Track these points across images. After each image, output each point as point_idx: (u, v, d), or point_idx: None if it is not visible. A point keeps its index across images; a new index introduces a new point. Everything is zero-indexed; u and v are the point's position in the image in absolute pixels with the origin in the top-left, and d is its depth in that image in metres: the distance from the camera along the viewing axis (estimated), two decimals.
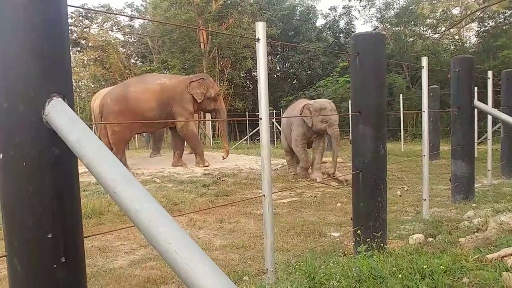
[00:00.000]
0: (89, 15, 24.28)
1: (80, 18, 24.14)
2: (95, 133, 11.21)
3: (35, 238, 1.29)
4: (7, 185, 1.30)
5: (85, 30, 23.62)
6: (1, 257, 1.37)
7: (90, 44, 23.41)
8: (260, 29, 2.25)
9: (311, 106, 7.24)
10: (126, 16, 24.12)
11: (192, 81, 8.78)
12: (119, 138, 8.55)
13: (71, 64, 1.46)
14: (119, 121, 8.30)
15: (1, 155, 1.29)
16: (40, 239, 1.29)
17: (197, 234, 4.20)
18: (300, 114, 7.19)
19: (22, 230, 1.29)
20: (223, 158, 9.43)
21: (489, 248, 2.51)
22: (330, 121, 7.03)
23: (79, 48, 24.41)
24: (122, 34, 25.47)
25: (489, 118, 6.42)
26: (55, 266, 1.31)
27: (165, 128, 11.03)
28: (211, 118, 11.46)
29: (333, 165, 7.29)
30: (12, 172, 1.28)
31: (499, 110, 5.98)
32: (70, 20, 23.04)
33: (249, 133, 17.62)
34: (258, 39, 2.25)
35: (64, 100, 1.31)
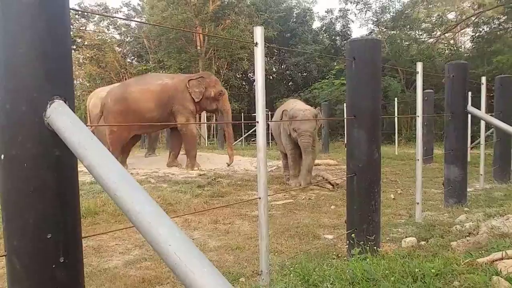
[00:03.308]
0: (85, 14, 24.21)
1: (77, 16, 24.05)
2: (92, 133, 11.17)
3: (35, 238, 1.31)
4: (8, 185, 1.32)
5: (81, 28, 23.53)
6: (1, 256, 1.39)
7: (86, 43, 23.33)
8: (258, 33, 2.28)
9: (288, 112, 6.90)
10: (123, 19, 24.09)
11: (191, 79, 8.55)
12: (116, 138, 8.50)
13: None
14: (118, 122, 8.24)
15: (3, 155, 1.31)
16: (40, 239, 1.31)
17: (192, 235, 4.22)
18: (280, 119, 6.95)
19: (22, 230, 1.31)
20: (228, 165, 8.97)
21: (480, 252, 2.55)
22: (298, 131, 6.65)
23: (75, 47, 24.30)
24: (118, 33, 25.42)
25: (482, 123, 6.49)
26: (54, 266, 1.33)
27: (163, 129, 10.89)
28: (216, 119, 11.10)
29: (303, 180, 6.82)
30: (14, 172, 1.31)
31: (492, 115, 6.06)
32: None
33: (244, 134, 17.64)
34: (256, 43, 2.27)
35: (65, 102, 1.33)
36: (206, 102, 8.67)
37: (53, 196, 1.33)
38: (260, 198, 2.34)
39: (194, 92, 8.45)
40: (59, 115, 1.28)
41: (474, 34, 18.94)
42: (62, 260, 1.34)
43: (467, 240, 3.02)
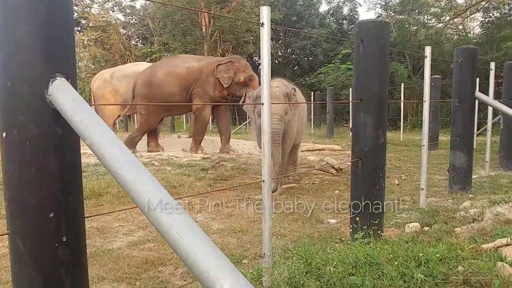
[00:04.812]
0: None
1: None
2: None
3: (37, 217, 1.30)
4: (10, 164, 1.30)
5: (85, 10, 23.34)
6: (3, 235, 1.39)
7: (90, 25, 23.17)
8: (265, 13, 2.23)
9: (251, 94, 5.43)
10: None
11: (220, 64, 8.13)
12: (144, 120, 8.57)
13: None
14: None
15: (4, 133, 1.29)
16: (42, 218, 1.30)
17: (195, 217, 4.24)
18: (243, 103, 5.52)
19: (24, 209, 1.30)
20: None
21: (485, 238, 2.54)
22: None
23: (79, 28, 24.16)
24: (123, 15, 25.23)
25: (490, 109, 6.41)
26: (56, 245, 1.32)
27: None
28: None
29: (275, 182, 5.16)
30: (15, 151, 1.29)
31: (500, 102, 5.98)
32: None
33: (248, 118, 17.56)
34: (262, 23, 2.23)
35: (67, 80, 1.30)
36: (236, 88, 8.20)
37: (55, 175, 1.31)
38: (264, 181, 2.33)
39: (223, 78, 8.03)
40: (61, 93, 1.25)
41: (483, 19, 18.62)
42: (65, 240, 1.34)
43: (472, 226, 3.00)
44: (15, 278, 1.37)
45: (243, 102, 5.58)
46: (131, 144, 8.50)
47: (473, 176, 5.00)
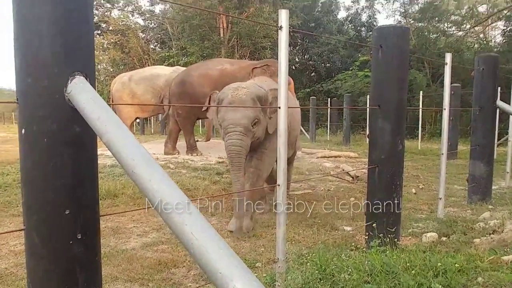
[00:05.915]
0: None
1: (102, 1, 24.28)
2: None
3: (53, 213, 1.31)
4: (28, 160, 1.32)
5: (106, 14, 23.76)
6: (20, 230, 1.40)
7: (110, 28, 23.55)
8: (283, 17, 2.22)
9: (216, 96, 4.12)
10: None
11: (255, 67, 7.63)
12: (183, 119, 8.65)
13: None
14: (179, 104, 8.38)
15: (23, 130, 1.30)
16: (58, 215, 1.31)
17: (209, 220, 4.23)
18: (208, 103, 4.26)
19: (41, 205, 1.31)
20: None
21: (505, 250, 2.47)
22: (223, 124, 3.87)
23: (99, 32, 24.59)
24: (142, 19, 25.59)
25: (511, 118, 6.28)
26: (71, 242, 1.33)
27: None
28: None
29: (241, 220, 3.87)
30: (33, 147, 1.30)
31: None
32: None
33: None
34: (281, 27, 2.22)
35: (86, 78, 1.31)
36: None
37: (72, 172, 1.32)
38: (279, 185, 2.31)
39: None
40: (79, 91, 1.26)
41: (505, 28, 18.28)
42: (80, 237, 1.34)
43: (491, 238, 2.93)
44: (30, 273, 1.38)
45: (208, 105, 4.25)
46: (192, 148, 8.68)
47: (493, 187, 4.89)
